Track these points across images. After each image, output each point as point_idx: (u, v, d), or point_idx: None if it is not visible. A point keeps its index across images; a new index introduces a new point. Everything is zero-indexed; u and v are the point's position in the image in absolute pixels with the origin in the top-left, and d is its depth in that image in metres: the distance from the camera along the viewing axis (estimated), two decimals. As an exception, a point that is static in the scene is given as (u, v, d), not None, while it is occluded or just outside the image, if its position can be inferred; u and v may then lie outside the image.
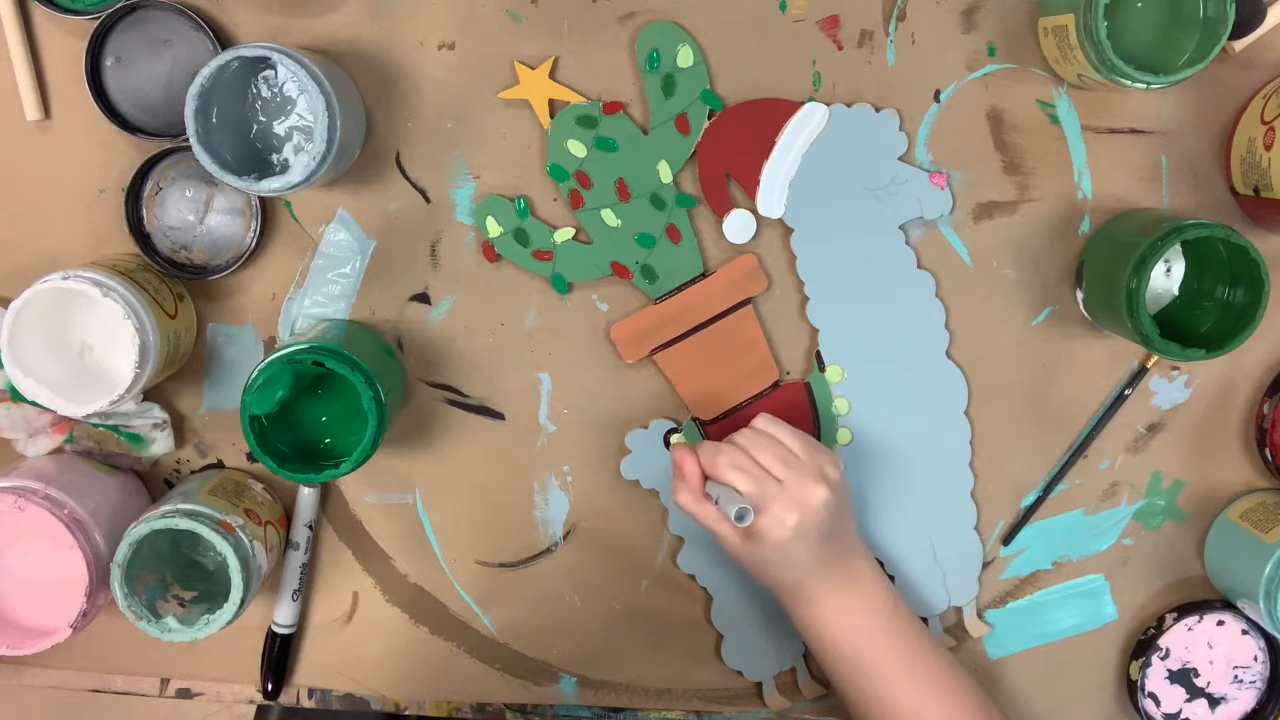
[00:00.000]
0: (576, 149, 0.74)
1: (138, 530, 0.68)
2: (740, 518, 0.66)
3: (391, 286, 0.76)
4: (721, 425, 0.77)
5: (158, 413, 0.76)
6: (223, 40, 0.73)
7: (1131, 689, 0.80)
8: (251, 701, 0.81)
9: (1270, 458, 0.78)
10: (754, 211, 0.75)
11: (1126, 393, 0.78)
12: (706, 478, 0.71)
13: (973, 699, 0.71)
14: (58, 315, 0.69)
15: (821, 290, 0.76)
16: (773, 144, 0.75)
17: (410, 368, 0.77)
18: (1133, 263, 0.69)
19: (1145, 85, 0.68)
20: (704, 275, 0.76)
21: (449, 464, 0.78)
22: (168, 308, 0.71)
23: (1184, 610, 0.79)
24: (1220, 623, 0.79)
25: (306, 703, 0.81)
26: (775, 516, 0.69)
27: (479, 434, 0.78)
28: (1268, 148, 0.71)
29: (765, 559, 0.70)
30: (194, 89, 0.64)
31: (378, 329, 0.77)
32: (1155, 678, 0.80)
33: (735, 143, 0.75)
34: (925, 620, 0.79)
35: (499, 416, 0.78)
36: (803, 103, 0.75)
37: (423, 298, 0.76)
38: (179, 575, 0.73)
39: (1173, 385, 0.79)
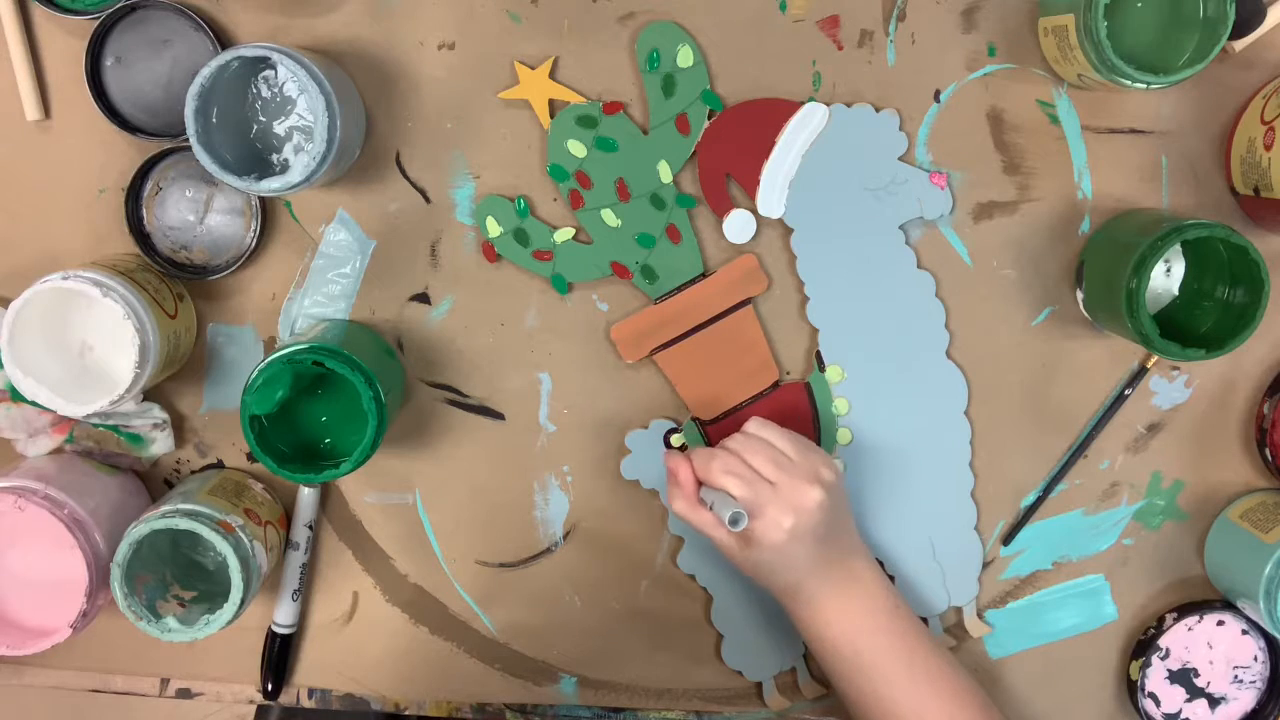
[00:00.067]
0: (576, 149, 0.74)
1: (138, 530, 0.68)
2: (734, 522, 0.66)
3: (391, 286, 0.76)
4: (721, 425, 0.77)
5: (158, 413, 0.76)
6: (223, 40, 0.73)
7: (1131, 689, 0.80)
8: (251, 701, 0.81)
9: (1270, 458, 0.78)
10: (754, 211, 0.75)
11: (1126, 393, 0.78)
12: (701, 484, 0.71)
13: (973, 699, 0.71)
14: (58, 315, 0.69)
15: (821, 290, 0.76)
16: (773, 144, 0.75)
17: (410, 368, 0.77)
18: (1133, 263, 0.69)
19: (1145, 85, 0.68)
20: (704, 275, 0.76)
21: (449, 464, 0.78)
22: (168, 308, 0.71)
23: (1184, 610, 0.79)
24: (1220, 623, 0.79)
25: (306, 703, 0.81)
26: (770, 520, 0.69)
27: (479, 434, 0.78)
28: (1268, 148, 0.71)
29: (763, 563, 0.70)
30: (194, 89, 0.64)
31: (378, 329, 0.77)
32: (1155, 678, 0.80)
33: (735, 143, 0.75)
34: (925, 620, 0.79)
35: (499, 416, 0.78)
36: (803, 103, 0.75)
37: (423, 298, 0.76)
38: (179, 575, 0.73)
39: (1173, 385, 0.79)
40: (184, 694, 0.81)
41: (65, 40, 0.73)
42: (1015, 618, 0.81)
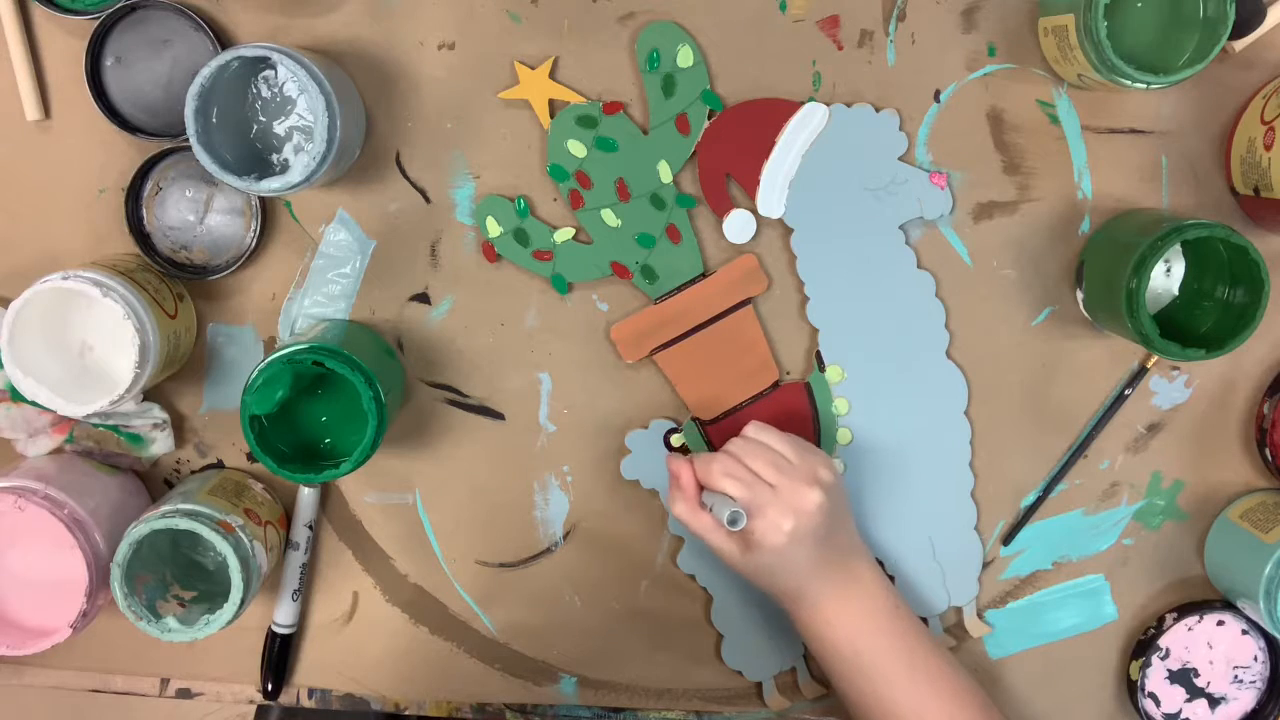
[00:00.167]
0: (576, 149, 0.74)
1: (138, 530, 0.68)
2: (733, 521, 0.66)
3: (391, 286, 0.76)
4: (721, 425, 0.77)
5: (158, 413, 0.76)
6: (223, 40, 0.73)
7: (1131, 689, 0.80)
8: (251, 701, 0.81)
9: (1270, 458, 0.78)
10: (754, 211, 0.75)
11: (1126, 393, 0.78)
12: (703, 489, 0.72)
13: (973, 699, 0.71)
14: (58, 315, 0.69)
15: (821, 290, 0.76)
16: (773, 144, 0.75)
17: (410, 368, 0.77)
18: (1133, 263, 0.69)
19: (1145, 85, 0.68)
20: (704, 275, 0.76)
21: (449, 464, 0.78)
22: (168, 308, 0.71)
23: (1184, 610, 0.79)
24: (1220, 623, 0.79)
25: (306, 703, 0.81)
26: (770, 522, 0.69)
27: (479, 434, 0.78)
28: (1268, 148, 0.71)
29: (764, 566, 0.70)
30: (194, 89, 0.64)
31: (378, 329, 0.77)
32: (1155, 678, 0.80)
33: (735, 143, 0.75)
34: (925, 620, 0.79)
35: (499, 416, 0.78)
36: (803, 103, 0.75)
37: (423, 298, 0.76)
38: (179, 575, 0.73)
39: (1173, 385, 0.79)
40: (184, 694, 0.81)
41: (65, 40, 0.73)
42: (1015, 618, 0.81)
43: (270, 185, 0.66)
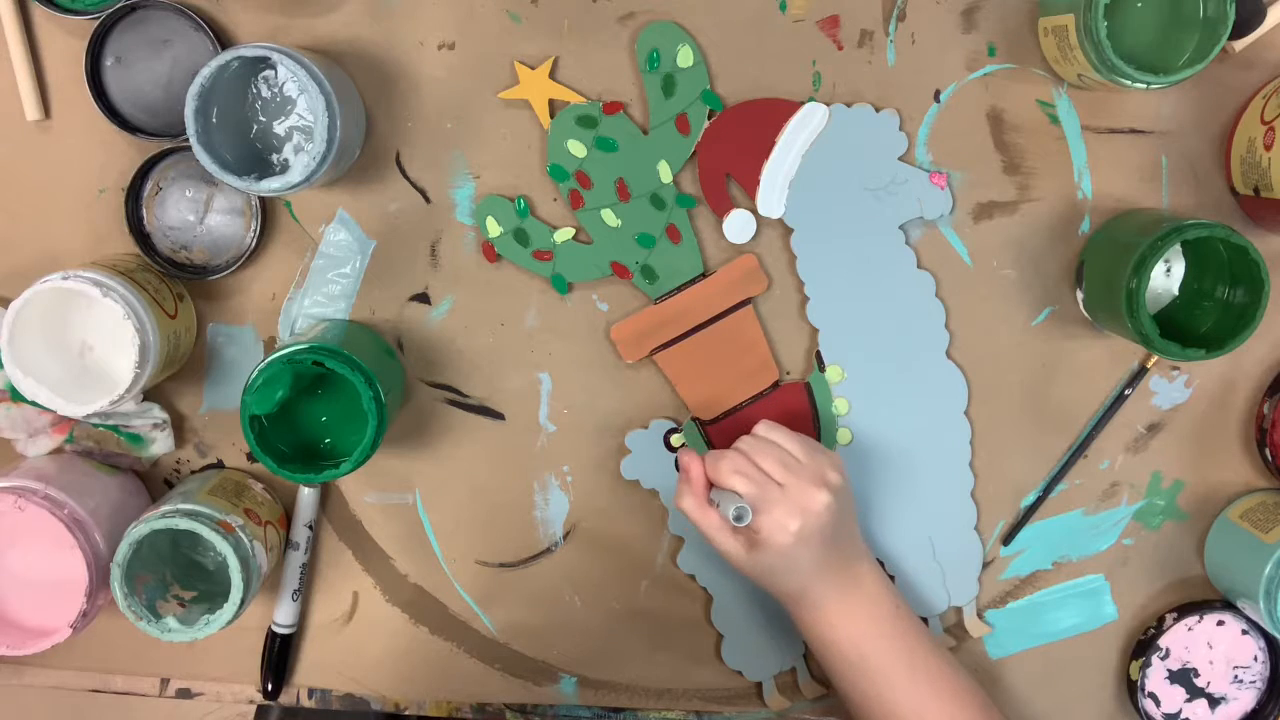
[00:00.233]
0: (576, 149, 0.74)
1: (138, 530, 0.68)
2: (739, 518, 0.66)
3: (391, 286, 0.76)
4: (721, 425, 0.77)
5: (158, 413, 0.76)
6: (223, 40, 0.73)
7: (1131, 689, 0.80)
8: (251, 701, 0.81)
9: (1270, 458, 0.78)
10: (754, 211, 0.75)
11: (1126, 393, 0.78)
12: (711, 487, 0.72)
13: (973, 699, 0.71)
14: (58, 315, 0.69)
15: (821, 290, 0.76)
16: (773, 144, 0.75)
17: (410, 368, 0.77)
18: (1133, 263, 0.69)
19: (1145, 85, 0.68)
20: (704, 275, 0.76)
21: (449, 464, 0.78)
22: (168, 308, 0.71)
23: (1184, 610, 0.79)
24: (1220, 623, 0.79)
25: (306, 703, 0.81)
26: (777, 521, 0.69)
27: (479, 434, 0.78)
28: (1268, 148, 0.71)
29: (769, 566, 0.70)
30: (194, 89, 0.64)
31: (378, 329, 0.77)
32: (1155, 678, 0.80)
33: (735, 143, 0.75)
34: (925, 620, 0.79)
35: (499, 416, 0.78)
36: (803, 103, 0.75)
37: (423, 298, 0.76)
38: (179, 575, 0.73)
39: (1173, 385, 0.79)
40: (184, 694, 0.81)
41: (65, 40, 0.73)
42: (1015, 618, 0.81)
43: (270, 185, 0.66)
